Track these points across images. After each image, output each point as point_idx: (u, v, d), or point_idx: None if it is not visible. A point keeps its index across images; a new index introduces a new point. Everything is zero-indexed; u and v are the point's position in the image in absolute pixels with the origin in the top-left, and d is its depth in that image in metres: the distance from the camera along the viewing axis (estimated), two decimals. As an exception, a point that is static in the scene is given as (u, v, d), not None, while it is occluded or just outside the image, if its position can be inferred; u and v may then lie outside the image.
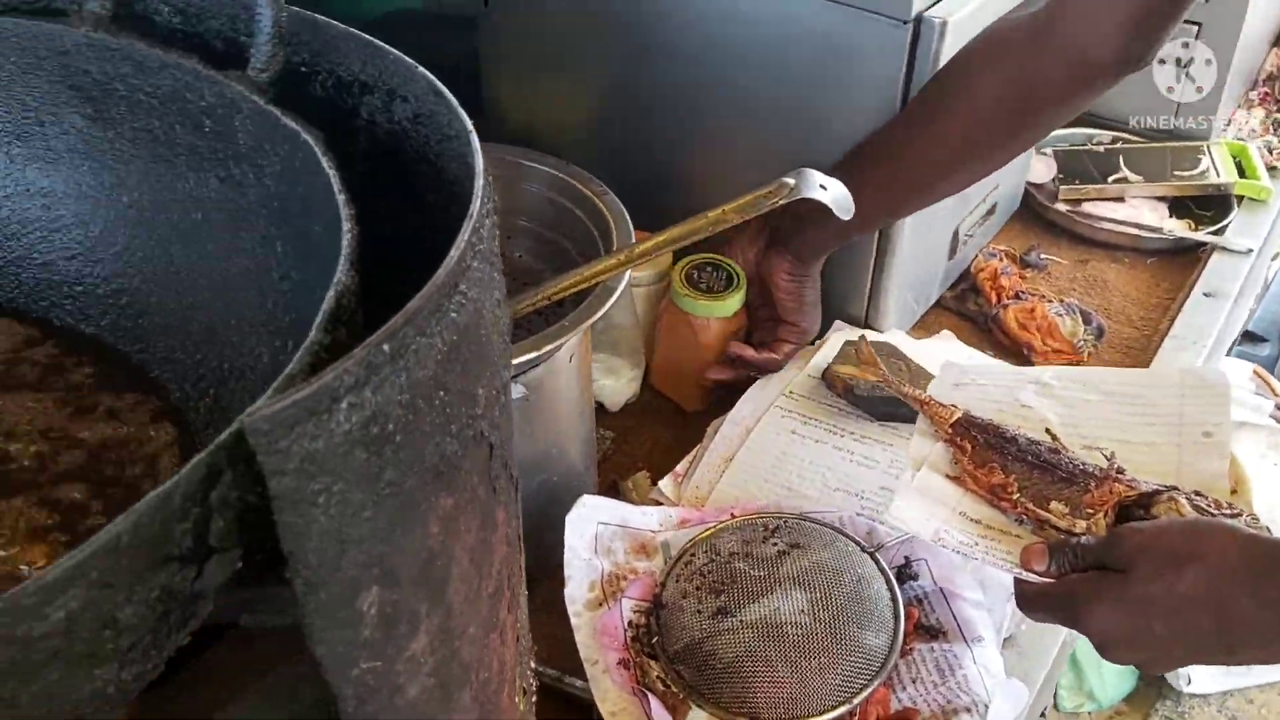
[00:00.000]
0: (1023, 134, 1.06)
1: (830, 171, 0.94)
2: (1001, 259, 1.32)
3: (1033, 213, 1.45)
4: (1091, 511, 0.84)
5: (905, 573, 0.90)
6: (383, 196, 0.49)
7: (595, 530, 0.92)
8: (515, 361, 0.79)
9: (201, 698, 0.48)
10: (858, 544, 0.89)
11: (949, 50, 1.00)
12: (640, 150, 1.22)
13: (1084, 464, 0.87)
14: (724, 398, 1.14)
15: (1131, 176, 1.45)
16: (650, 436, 1.13)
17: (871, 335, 1.14)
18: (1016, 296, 1.27)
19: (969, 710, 0.81)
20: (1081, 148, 1.51)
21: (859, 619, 0.84)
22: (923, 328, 1.27)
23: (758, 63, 1.09)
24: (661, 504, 1.02)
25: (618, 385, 1.14)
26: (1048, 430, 0.92)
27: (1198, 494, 0.83)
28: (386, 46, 0.53)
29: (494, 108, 1.30)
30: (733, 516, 0.94)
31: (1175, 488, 0.83)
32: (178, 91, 0.56)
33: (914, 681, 0.84)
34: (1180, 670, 2.02)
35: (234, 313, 0.57)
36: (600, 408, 1.11)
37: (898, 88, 1.03)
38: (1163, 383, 0.97)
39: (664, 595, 0.87)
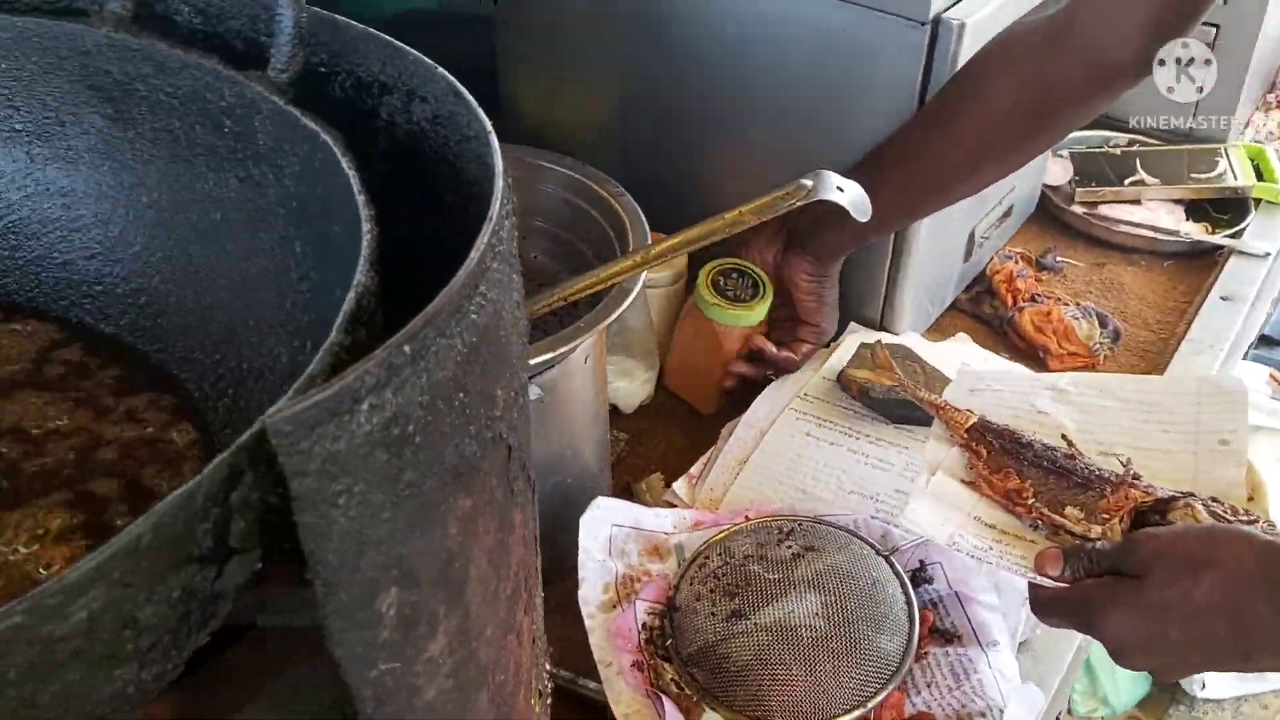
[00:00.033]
0: (1040, 136, 1.06)
1: (848, 173, 0.94)
2: (1017, 261, 1.32)
3: (1049, 215, 1.45)
4: (1107, 517, 0.83)
5: (920, 576, 0.90)
6: (401, 197, 0.49)
7: (609, 532, 0.92)
8: (530, 363, 0.79)
9: (219, 698, 0.48)
10: (873, 547, 0.89)
11: (967, 52, 1.00)
12: (656, 151, 1.22)
13: (1100, 470, 0.87)
14: (738, 400, 1.14)
15: (1148, 179, 1.45)
16: (664, 439, 1.13)
17: (887, 338, 1.14)
18: (1032, 299, 1.27)
19: (984, 715, 0.81)
20: (1098, 150, 1.50)
21: (873, 622, 0.83)
22: (938, 330, 1.27)
23: (774, 63, 1.09)
24: (675, 506, 1.02)
25: (632, 387, 1.14)
26: (1064, 436, 0.92)
27: (1214, 500, 0.82)
28: (406, 47, 0.53)
29: (510, 107, 1.30)
30: (747, 519, 0.94)
31: (1191, 494, 0.83)
32: (198, 92, 0.56)
33: (929, 686, 0.84)
34: (1195, 675, 2.01)
35: (253, 313, 0.57)
36: (614, 410, 1.11)
37: (915, 89, 1.02)
38: (1179, 390, 0.96)
39: (678, 598, 0.87)
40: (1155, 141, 1.52)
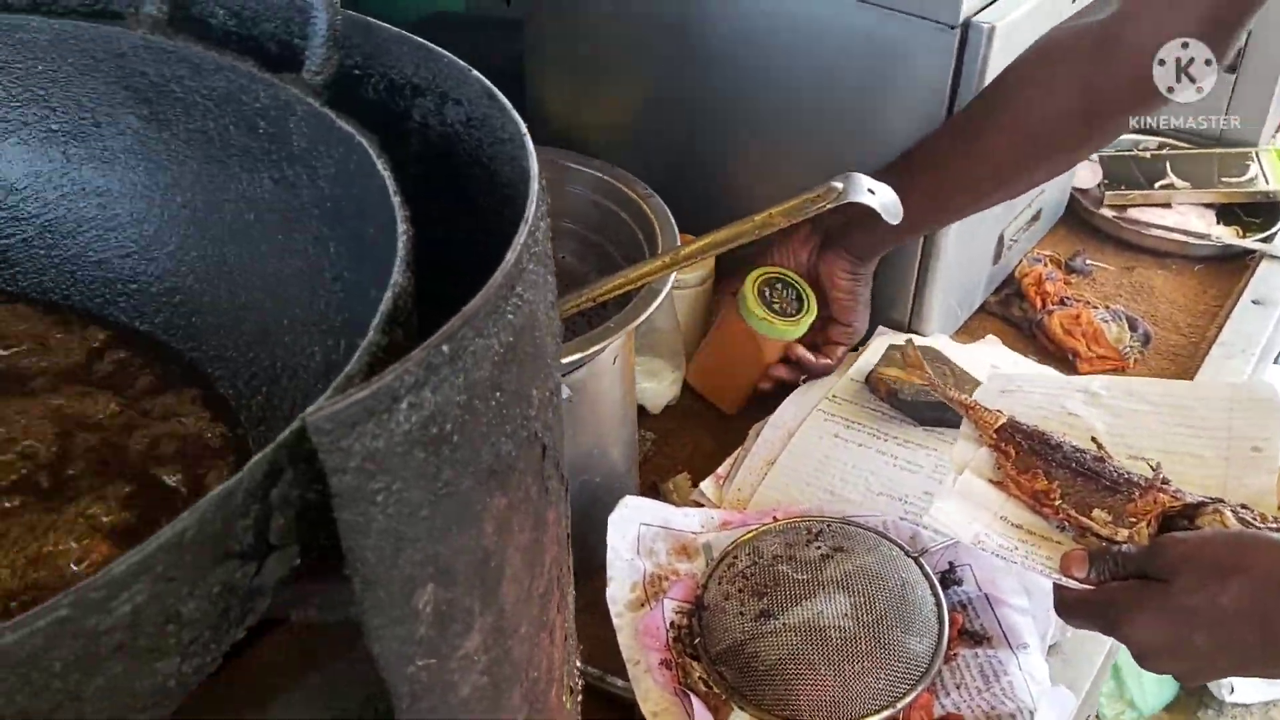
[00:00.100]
0: (1083, 144, 1.05)
1: (880, 175, 0.94)
2: (1046, 264, 1.32)
3: (1078, 218, 1.44)
4: (1134, 520, 0.83)
5: (949, 578, 0.90)
6: (434, 199, 0.49)
7: (637, 531, 0.92)
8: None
9: (254, 691, 0.48)
10: (902, 549, 0.89)
11: (997, 55, 1.00)
12: (684, 153, 1.22)
13: (1129, 473, 0.87)
14: (760, 402, 1.14)
15: (1178, 183, 1.44)
16: (690, 439, 1.13)
17: (916, 340, 1.14)
18: (1061, 302, 1.26)
19: (1014, 717, 0.80)
20: (1127, 153, 1.50)
21: (902, 624, 0.83)
22: (966, 332, 1.26)
23: (804, 66, 1.09)
24: (703, 506, 1.02)
25: (658, 388, 1.14)
26: (1093, 439, 0.92)
27: (1243, 507, 0.82)
28: (440, 50, 0.54)
29: (538, 109, 1.31)
30: (775, 520, 0.94)
31: (1221, 499, 0.83)
32: (233, 93, 0.56)
33: (958, 687, 0.84)
34: (1223, 679, 2.00)
35: (286, 312, 0.58)
36: (640, 410, 1.11)
37: (945, 92, 1.02)
38: (1212, 395, 0.96)
39: (706, 597, 0.87)
40: (1185, 145, 1.51)
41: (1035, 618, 0.87)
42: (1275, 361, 1.40)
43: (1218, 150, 1.48)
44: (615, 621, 0.86)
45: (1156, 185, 1.44)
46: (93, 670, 0.30)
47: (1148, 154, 1.49)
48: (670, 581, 0.89)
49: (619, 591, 0.88)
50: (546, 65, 1.29)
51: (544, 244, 0.43)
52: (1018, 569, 0.84)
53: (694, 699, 0.81)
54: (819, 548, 0.89)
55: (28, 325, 0.61)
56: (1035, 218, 1.32)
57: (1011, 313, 1.28)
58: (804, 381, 1.14)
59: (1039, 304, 1.27)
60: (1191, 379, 1.19)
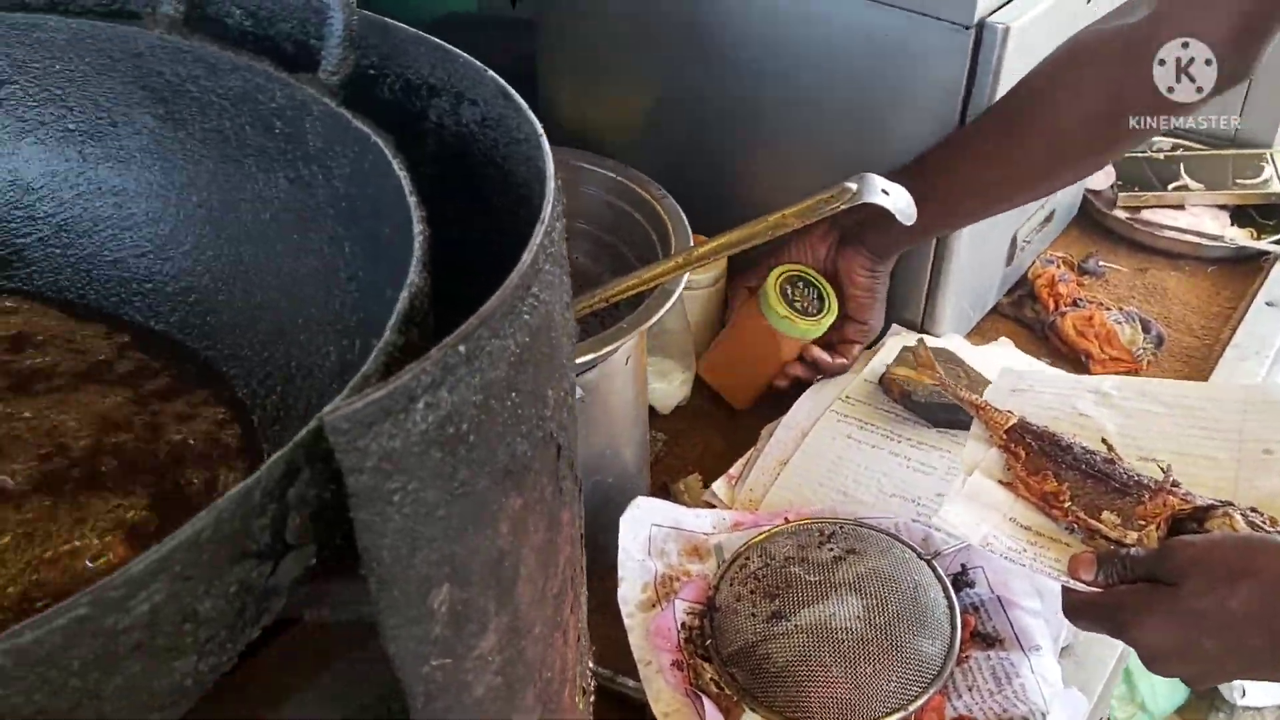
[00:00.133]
0: (1113, 147, 1.04)
1: (897, 177, 0.94)
2: (1059, 266, 1.31)
3: (1091, 220, 1.44)
4: (1143, 523, 0.83)
5: (961, 580, 0.89)
6: (449, 200, 0.49)
7: (649, 532, 0.92)
8: (573, 363, 0.79)
9: (268, 690, 0.49)
10: (914, 551, 0.89)
11: (1012, 56, 1.00)
12: (697, 154, 1.22)
13: (1139, 475, 0.87)
14: (775, 400, 1.14)
15: (1192, 184, 1.44)
16: (701, 440, 1.13)
17: (930, 340, 1.14)
18: (1074, 304, 1.26)
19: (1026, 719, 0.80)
20: (1141, 155, 1.49)
21: (914, 626, 0.83)
22: (979, 334, 1.26)
23: (817, 67, 1.09)
24: (715, 507, 1.02)
25: (669, 389, 1.14)
26: (1104, 440, 0.92)
27: (1254, 510, 0.82)
28: (456, 50, 0.54)
29: (551, 110, 1.31)
30: (787, 521, 0.94)
31: (1230, 503, 0.82)
32: (249, 93, 0.57)
33: (970, 690, 0.83)
34: (1235, 682, 1.99)
35: (301, 312, 0.58)
36: (650, 410, 1.11)
37: (959, 94, 1.02)
38: (1225, 397, 0.96)
39: (718, 598, 0.87)
40: (1200, 146, 1.51)
41: (1048, 620, 0.87)
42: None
43: (1232, 152, 1.48)
44: (626, 622, 0.86)
45: (1170, 187, 1.44)
46: (111, 669, 0.30)
47: (1161, 155, 1.49)
48: (681, 582, 0.89)
49: (630, 592, 0.88)
50: (559, 66, 1.29)
51: (560, 245, 0.44)
52: (1028, 571, 0.84)
53: (705, 700, 0.81)
54: (831, 549, 0.89)
55: (44, 324, 0.61)
56: (1048, 219, 1.32)
57: (1024, 314, 1.28)
58: (819, 380, 1.14)
59: (1052, 306, 1.26)
60: (1205, 381, 1.18)
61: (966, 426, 0.98)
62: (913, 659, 0.82)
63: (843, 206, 0.89)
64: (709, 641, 0.85)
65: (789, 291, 1.09)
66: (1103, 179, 1.46)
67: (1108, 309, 1.26)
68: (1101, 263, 1.36)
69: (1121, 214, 1.42)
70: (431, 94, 0.56)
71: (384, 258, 0.49)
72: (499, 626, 0.41)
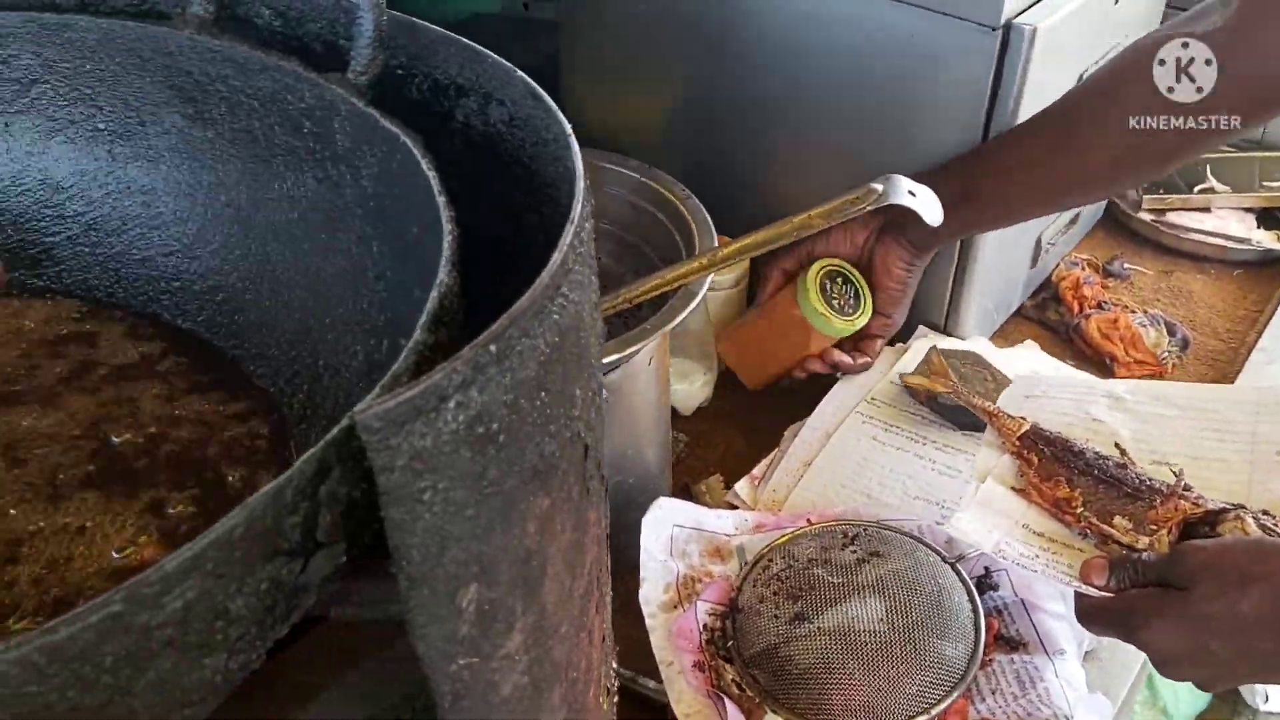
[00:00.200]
0: (1180, 152, 1.02)
1: (937, 175, 0.93)
2: (1084, 268, 1.31)
3: (1116, 222, 1.43)
4: (1155, 528, 0.83)
5: (985, 583, 0.89)
6: (476, 199, 0.49)
7: (671, 533, 0.92)
8: (597, 364, 0.79)
9: (294, 689, 0.49)
10: (938, 553, 0.89)
11: (1039, 57, 0.99)
12: (721, 155, 1.22)
13: (1151, 480, 0.86)
14: (792, 399, 1.13)
15: (1218, 187, 1.43)
16: (723, 441, 1.13)
17: (957, 344, 1.13)
18: (1099, 306, 1.25)
19: (1049, 724, 0.80)
20: (1167, 156, 1.48)
21: (938, 629, 0.83)
22: (1003, 336, 1.26)
23: (842, 68, 1.09)
24: (737, 508, 1.02)
25: (690, 390, 1.14)
26: (1117, 445, 0.91)
27: (1265, 513, 0.82)
28: (485, 50, 0.54)
29: (573, 111, 1.29)
30: (810, 523, 0.93)
31: (1242, 506, 0.82)
32: (278, 93, 0.57)
33: (994, 693, 0.83)
34: (1257, 687, 1.98)
35: (328, 311, 0.58)
36: (672, 411, 1.11)
37: (985, 95, 1.02)
38: (1239, 399, 0.95)
39: (740, 599, 0.87)
40: (1226, 148, 1.49)
41: (1072, 624, 0.87)
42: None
43: (1258, 154, 1.47)
44: (648, 623, 0.86)
45: (1196, 189, 1.43)
46: (143, 665, 0.30)
47: (1187, 158, 1.48)
48: (703, 583, 0.89)
49: (652, 593, 0.88)
50: (582, 67, 1.29)
51: (589, 245, 0.44)
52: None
53: (727, 701, 0.81)
54: (854, 552, 0.89)
55: (72, 322, 0.61)
56: (1073, 221, 1.31)
57: (1048, 317, 1.28)
58: (841, 377, 1.13)
59: (1076, 308, 1.26)
60: (1231, 384, 1.18)
61: (990, 430, 0.98)
62: (936, 662, 0.81)
63: (869, 208, 0.89)
64: (731, 643, 0.85)
65: (827, 287, 1.08)
66: (1128, 181, 1.45)
67: (1133, 312, 1.25)
68: (1126, 265, 1.35)
69: (1147, 216, 1.41)
70: (460, 94, 0.56)
71: (411, 257, 0.49)
72: (525, 626, 0.41)
